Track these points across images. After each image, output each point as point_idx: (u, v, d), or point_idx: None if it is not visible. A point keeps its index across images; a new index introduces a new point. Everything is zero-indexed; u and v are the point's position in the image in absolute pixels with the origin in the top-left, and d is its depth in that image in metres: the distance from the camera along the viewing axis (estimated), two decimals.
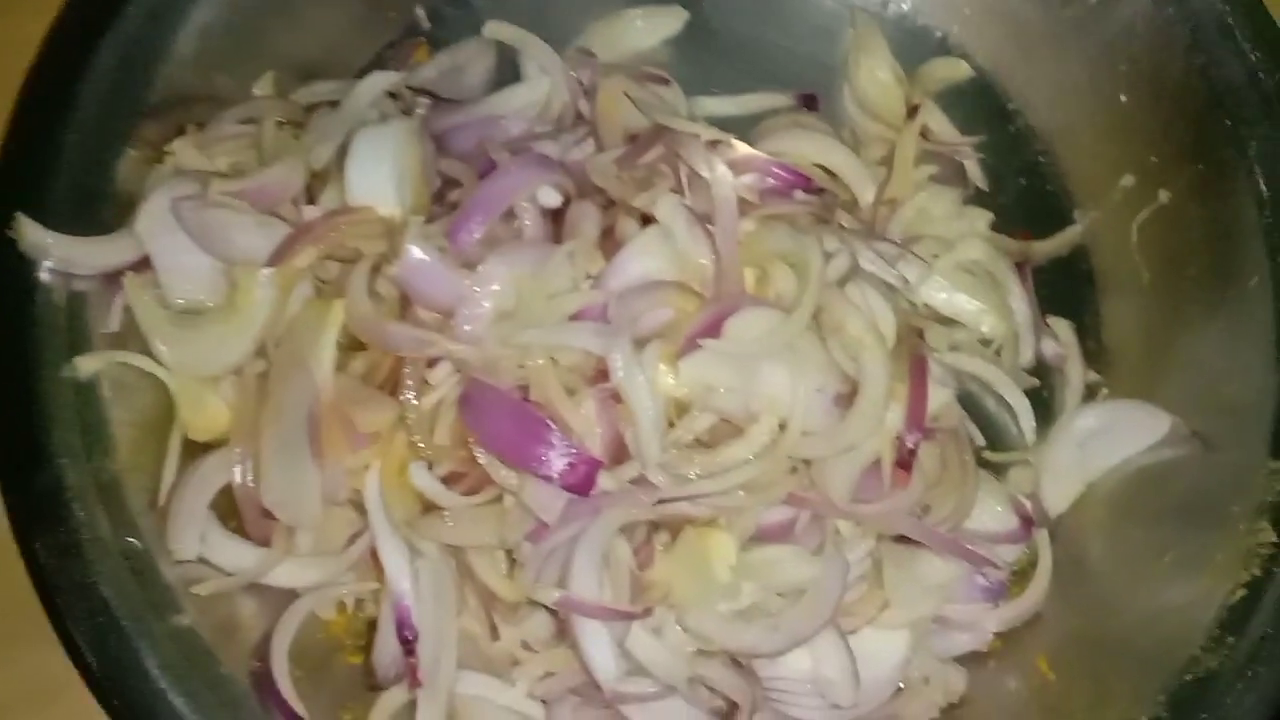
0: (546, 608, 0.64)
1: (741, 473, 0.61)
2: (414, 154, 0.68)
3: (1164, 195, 0.77)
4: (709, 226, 0.65)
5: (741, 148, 0.72)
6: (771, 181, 0.71)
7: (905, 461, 0.65)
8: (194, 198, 0.64)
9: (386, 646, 0.63)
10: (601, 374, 0.62)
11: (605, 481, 0.60)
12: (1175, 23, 0.75)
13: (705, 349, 0.62)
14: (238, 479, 0.64)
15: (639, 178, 0.69)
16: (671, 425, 0.62)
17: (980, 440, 0.75)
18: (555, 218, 0.68)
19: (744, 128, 0.80)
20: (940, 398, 0.67)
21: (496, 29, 0.76)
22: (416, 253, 0.62)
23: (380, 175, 0.66)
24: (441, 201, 0.69)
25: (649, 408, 0.60)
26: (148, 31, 0.70)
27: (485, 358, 0.62)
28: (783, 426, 0.63)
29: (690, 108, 0.81)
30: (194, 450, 0.66)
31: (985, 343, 0.77)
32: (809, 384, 0.63)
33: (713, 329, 0.62)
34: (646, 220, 0.67)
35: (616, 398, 0.61)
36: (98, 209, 0.67)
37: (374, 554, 0.64)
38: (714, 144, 0.70)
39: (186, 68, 0.71)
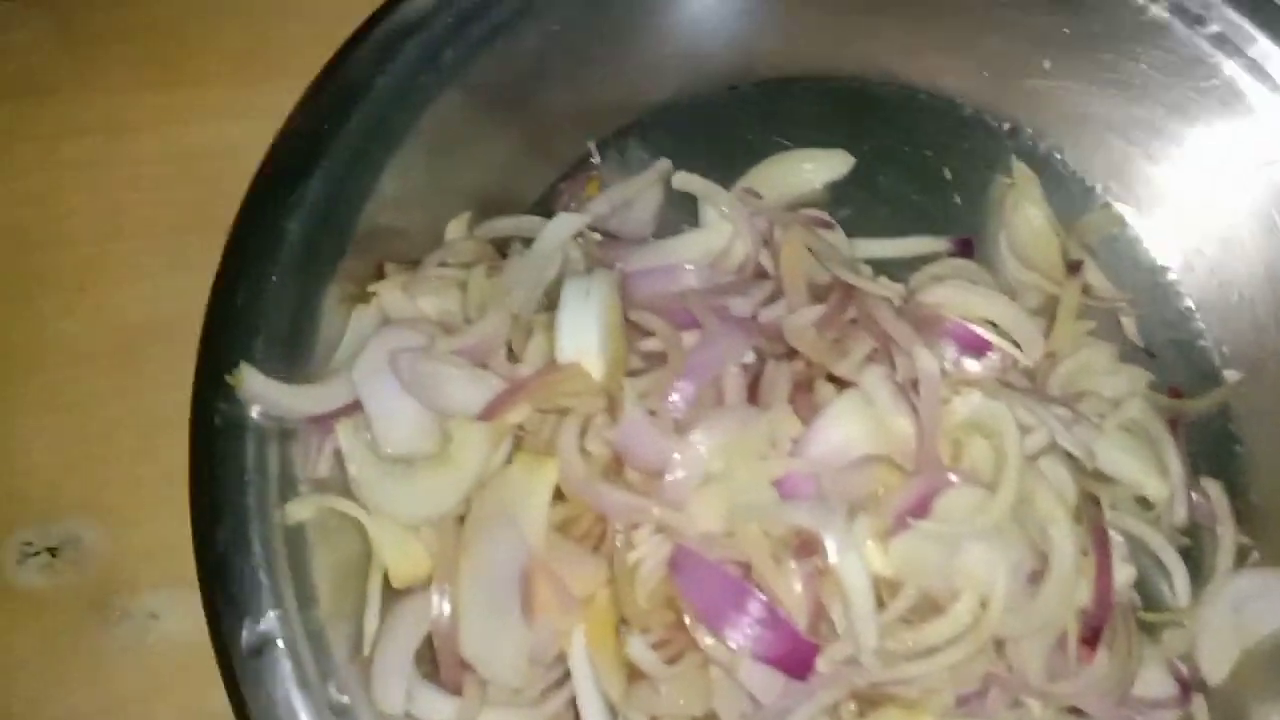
0: None
1: (950, 654, 0.62)
2: (616, 307, 0.69)
3: None
4: (911, 398, 0.66)
5: (925, 309, 0.73)
6: (956, 344, 0.73)
7: (1091, 638, 0.66)
8: (413, 350, 0.65)
9: None
10: (807, 546, 0.63)
11: (820, 664, 0.61)
12: None
13: (915, 529, 0.63)
14: (437, 626, 0.65)
15: (835, 340, 0.70)
16: (880, 604, 0.63)
17: (1137, 602, 0.76)
18: (745, 370, 0.70)
19: (900, 269, 0.82)
20: (1124, 574, 0.69)
21: (685, 180, 0.78)
22: (635, 417, 0.63)
23: (587, 331, 0.67)
24: (631, 348, 0.70)
25: (865, 591, 0.61)
26: (354, 169, 0.71)
27: (696, 526, 0.63)
28: (983, 604, 0.64)
29: (852, 250, 0.83)
30: (391, 599, 0.67)
31: (1141, 501, 0.79)
32: (1009, 561, 0.64)
33: (922, 507, 0.63)
34: (839, 380, 0.69)
35: (822, 572, 0.63)
36: (302, 346, 0.68)
37: (569, 708, 0.65)
38: (902, 307, 0.72)
39: (387, 205, 0.72)
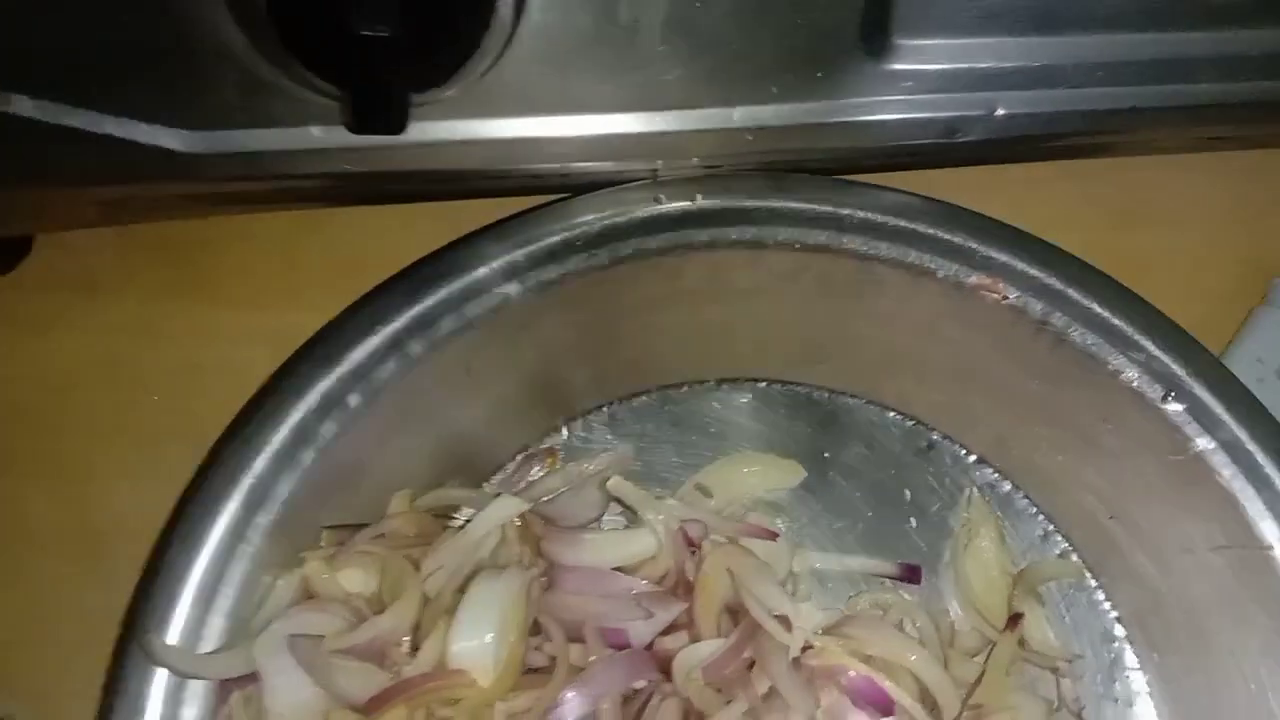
0: None
1: None
2: (519, 612, 0.72)
3: None
4: None
5: (833, 653, 0.74)
6: (855, 695, 0.73)
7: None
8: (311, 638, 0.69)
9: None
10: None
11: None
12: None
13: None
14: None
15: (726, 680, 0.71)
16: None
17: None
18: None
19: (841, 588, 0.83)
20: None
21: (618, 485, 0.81)
22: None
23: (483, 638, 0.70)
24: (530, 647, 0.73)
25: None
26: (305, 443, 0.76)
27: None
28: None
29: (793, 560, 0.84)
30: None
31: None
32: None
33: None
34: None
35: None
36: (223, 608, 0.73)
37: None
38: (805, 651, 0.72)
39: (338, 471, 0.77)
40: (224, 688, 0.71)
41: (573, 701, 0.67)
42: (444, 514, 0.81)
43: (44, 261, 0.94)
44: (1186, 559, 0.80)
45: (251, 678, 0.71)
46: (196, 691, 0.70)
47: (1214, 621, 0.80)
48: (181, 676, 0.70)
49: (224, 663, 0.70)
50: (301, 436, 0.76)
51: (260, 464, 0.74)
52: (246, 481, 0.74)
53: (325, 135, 0.76)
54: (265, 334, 0.82)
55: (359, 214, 0.94)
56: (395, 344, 0.78)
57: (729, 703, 0.69)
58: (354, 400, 0.77)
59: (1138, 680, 0.83)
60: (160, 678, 0.70)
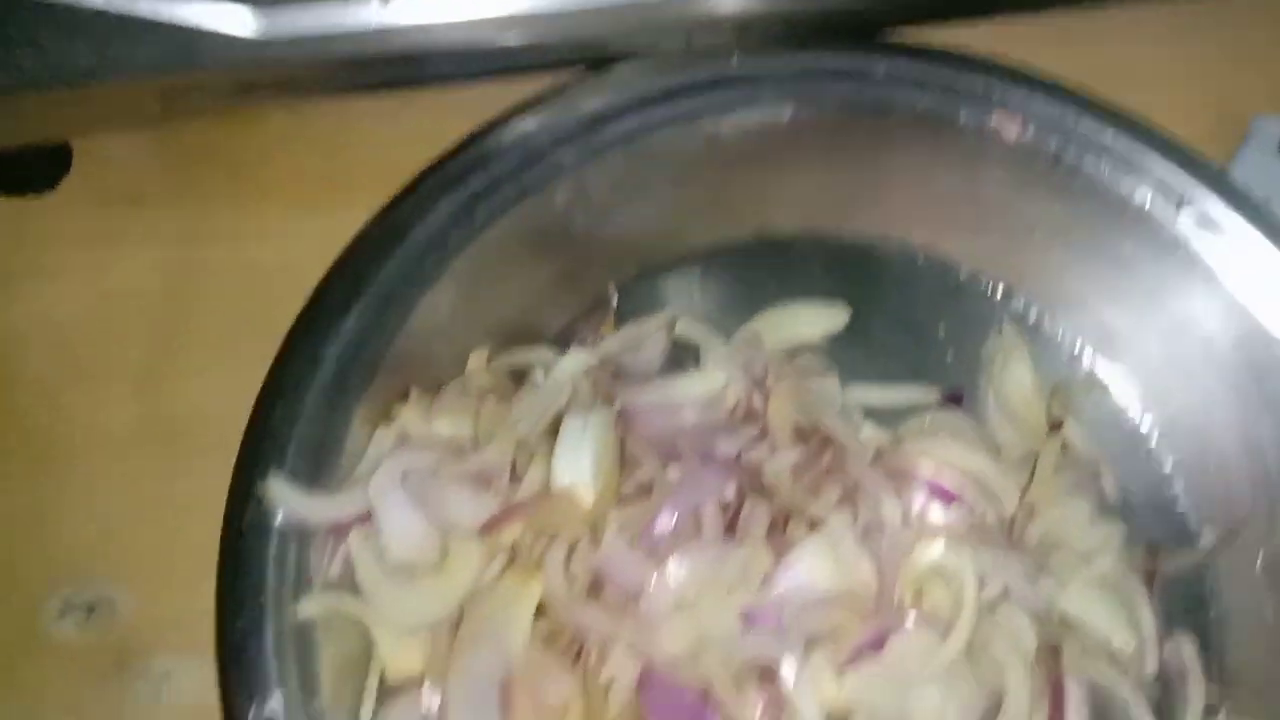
0: None
1: None
2: (610, 442, 0.76)
3: None
4: (874, 543, 0.72)
5: (902, 458, 0.79)
6: (926, 492, 0.79)
7: None
8: (423, 471, 0.73)
9: None
10: (769, 674, 0.68)
11: None
12: None
13: (868, 664, 0.68)
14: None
15: (811, 483, 0.76)
16: None
17: None
18: (725, 507, 0.76)
19: (892, 419, 0.88)
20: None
21: (686, 326, 0.85)
22: (616, 545, 0.69)
23: (582, 461, 0.74)
24: (624, 477, 0.77)
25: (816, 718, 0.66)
26: (387, 308, 0.79)
27: (665, 648, 0.68)
28: None
29: (844, 396, 0.89)
30: (384, 691, 0.73)
31: (1110, 653, 0.82)
32: (958, 704, 0.69)
33: (876, 645, 0.68)
34: (813, 523, 0.75)
35: (780, 699, 0.68)
36: (329, 460, 0.76)
37: None
38: (878, 455, 0.78)
39: (414, 338, 0.81)
40: (338, 532, 0.74)
41: (679, 502, 0.71)
42: (517, 374, 0.85)
43: (85, 177, 0.96)
44: (1203, 355, 0.87)
45: (365, 519, 0.74)
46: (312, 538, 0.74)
47: (1231, 415, 0.87)
48: (298, 520, 0.73)
49: (341, 503, 0.74)
50: (383, 303, 0.79)
51: (349, 326, 0.78)
52: (336, 345, 0.78)
53: (387, 12, 0.80)
54: (318, 233, 0.84)
55: (400, 114, 0.97)
56: (463, 211, 0.82)
57: (818, 498, 0.74)
58: (427, 266, 0.81)
59: (1175, 480, 0.90)
60: (274, 532, 0.73)
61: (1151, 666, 0.82)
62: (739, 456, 0.78)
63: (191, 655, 0.80)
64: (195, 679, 0.81)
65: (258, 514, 0.73)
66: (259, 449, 0.74)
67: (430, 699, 0.71)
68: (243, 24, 0.80)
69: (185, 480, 0.85)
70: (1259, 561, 0.84)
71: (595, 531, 0.72)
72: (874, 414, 0.88)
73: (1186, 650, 0.84)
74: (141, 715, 0.80)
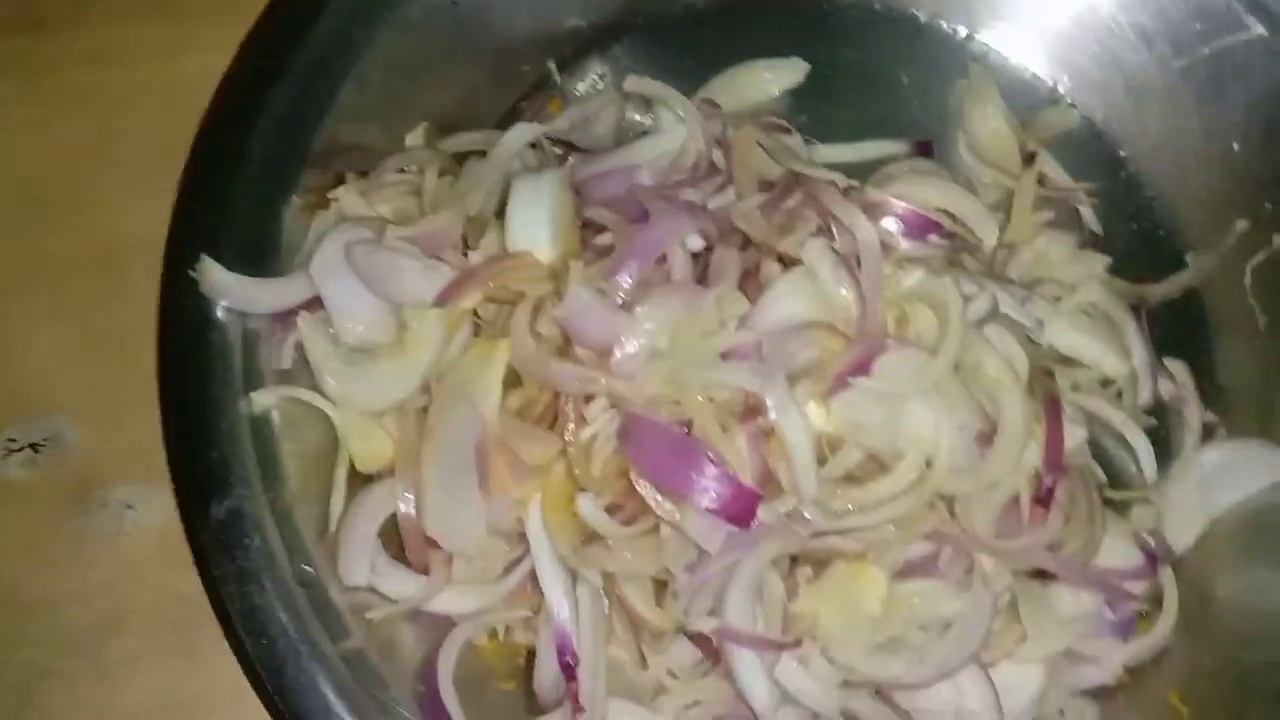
0: (690, 637, 0.67)
1: (891, 508, 0.63)
2: (566, 201, 0.71)
3: (1278, 240, 0.79)
4: (852, 269, 0.68)
5: (873, 193, 0.75)
6: (903, 226, 0.75)
7: (1044, 499, 0.67)
8: (367, 242, 0.68)
9: (547, 672, 0.66)
10: (752, 410, 0.64)
11: (763, 513, 0.62)
12: None
13: (855, 387, 0.64)
14: (402, 508, 0.67)
15: (781, 223, 0.72)
16: (822, 462, 0.64)
17: (1102, 478, 0.77)
18: (696, 259, 0.72)
19: (861, 174, 0.83)
20: (1075, 437, 0.70)
21: (638, 83, 0.80)
22: (580, 295, 0.65)
23: (537, 222, 0.69)
24: (585, 245, 0.73)
25: (804, 444, 0.62)
26: (312, 84, 0.74)
27: (644, 394, 0.65)
28: (928, 463, 0.65)
29: (810, 155, 0.84)
30: (358, 482, 0.70)
31: (1105, 383, 0.79)
32: (953, 422, 0.66)
33: (862, 368, 0.65)
34: (786, 263, 0.71)
35: (766, 434, 0.64)
36: (267, 253, 0.71)
37: (529, 582, 0.68)
38: (848, 190, 0.74)
39: (345, 118, 0.75)
40: (285, 321, 0.70)
41: (645, 248, 0.67)
42: (459, 160, 0.80)
43: None
44: (1177, 73, 0.83)
45: (313, 304, 0.70)
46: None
47: (1210, 131, 0.84)
48: (240, 311, 0.68)
49: (283, 288, 0.69)
50: (305, 82, 0.74)
51: (270, 109, 0.72)
52: (258, 130, 0.72)
53: None
54: (232, 43, 0.78)
55: None
56: None
57: (791, 234, 0.70)
58: (349, 40, 0.75)
59: (1157, 205, 0.86)
60: (215, 324, 0.68)
61: (1146, 394, 0.80)
62: (704, 205, 0.73)
63: (154, 483, 0.76)
64: (159, 505, 0.77)
65: (195, 308, 0.68)
66: (188, 239, 0.69)
67: (403, 483, 0.67)
68: None
69: (124, 306, 0.80)
70: (1247, 276, 0.81)
71: (559, 291, 0.67)
72: (842, 170, 0.82)
73: (1180, 374, 0.82)
74: (105, 547, 0.76)
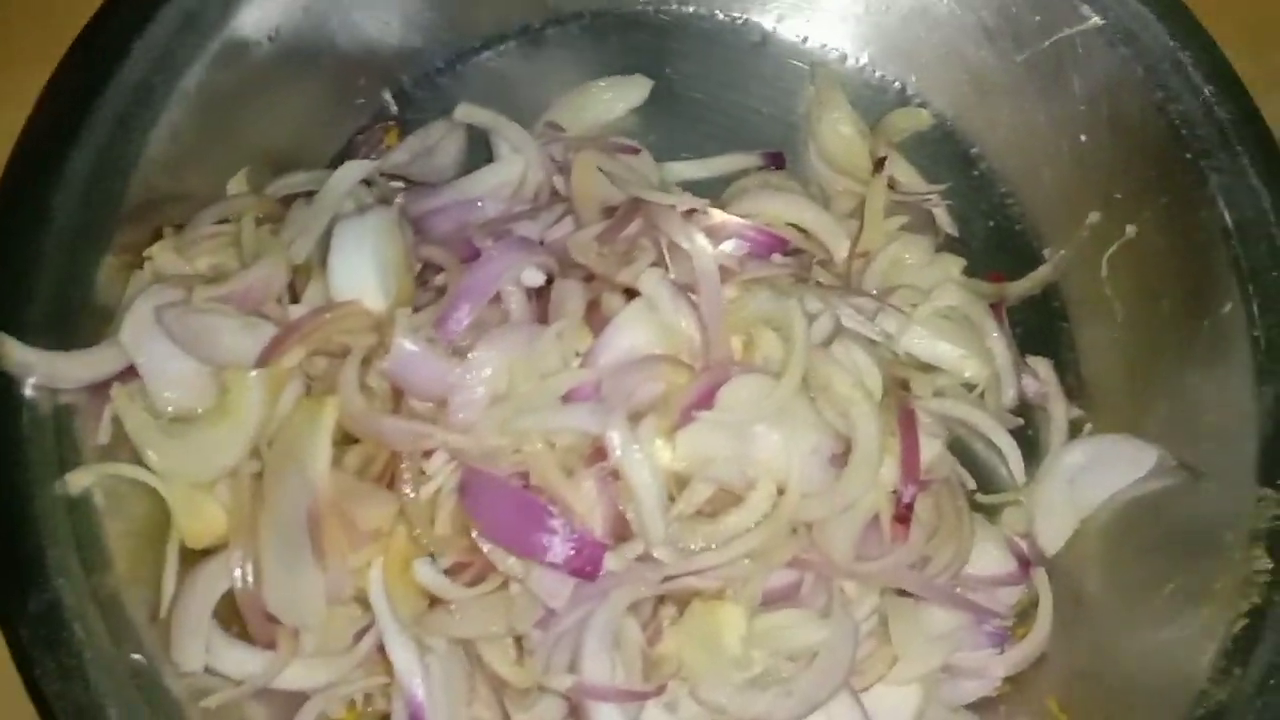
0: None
1: (745, 541, 0.61)
2: (395, 243, 0.68)
3: (1131, 230, 0.79)
4: (693, 297, 0.66)
5: (717, 214, 0.73)
6: (748, 246, 0.73)
7: (903, 515, 0.66)
8: (178, 304, 0.64)
9: None
10: (598, 453, 0.62)
11: (611, 562, 0.60)
12: (1130, 61, 0.77)
13: (700, 420, 0.62)
14: (239, 583, 0.63)
15: (620, 252, 0.69)
16: (672, 499, 0.62)
17: (970, 484, 0.75)
18: (538, 295, 0.69)
19: (714, 190, 0.81)
20: (932, 449, 0.68)
21: (468, 112, 0.77)
22: (406, 346, 0.62)
23: (363, 268, 0.66)
24: (425, 286, 0.70)
25: (650, 485, 0.60)
26: (118, 136, 0.70)
27: (481, 445, 0.62)
28: (781, 491, 0.63)
29: (661, 174, 0.82)
30: (192, 558, 0.66)
31: (968, 387, 0.78)
32: (803, 446, 0.64)
33: (706, 400, 0.63)
34: (630, 294, 0.68)
35: (615, 475, 0.62)
36: (77, 319, 0.67)
37: (382, 649, 0.64)
38: (690, 213, 0.71)
39: (159, 169, 0.71)
40: (100, 392, 0.65)
41: (476, 288, 0.64)
42: (288, 204, 0.76)
43: None
44: (1023, 61, 0.83)
45: (129, 374, 0.65)
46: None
47: (1042, 116, 0.83)
48: (50, 387, 0.64)
49: (95, 359, 0.65)
50: (111, 130, 0.70)
51: (75, 162, 0.68)
52: (62, 184, 0.68)
53: None
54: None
55: None
56: (186, 20, 0.72)
57: (630, 264, 0.67)
58: (155, 85, 0.71)
59: (1010, 202, 0.86)
60: (25, 403, 0.64)
61: (1010, 394, 0.79)
62: (542, 239, 0.70)
63: None
64: None
65: (1, 387, 0.64)
66: None
67: (238, 556, 0.63)
68: None
69: None
70: (1103, 268, 0.81)
71: (387, 341, 0.64)
72: (694, 188, 0.81)
73: (1043, 371, 0.81)
74: None
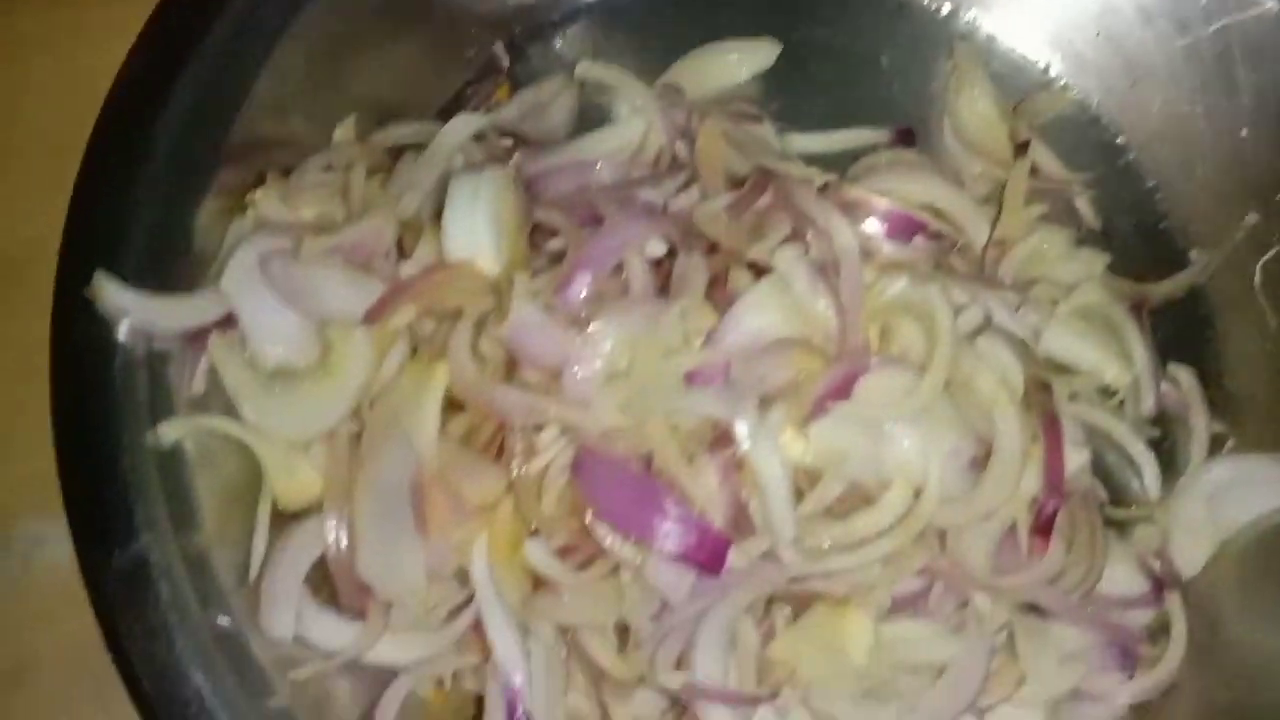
0: None
1: (879, 546, 0.57)
2: (511, 203, 0.64)
3: None
4: (830, 279, 0.61)
5: (852, 191, 0.68)
6: (886, 227, 0.68)
7: (1044, 528, 0.61)
8: (283, 254, 0.60)
9: None
10: (723, 439, 0.58)
11: (733, 558, 0.56)
12: None
13: (835, 413, 0.58)
14: (332, 549, 0.60)
15: (751, 226, 0.65)
16: (800, 495, 0.58)
17: (1103, 496, 0.70)
18: (658, 265, 0.65)
19: (838, 165, 0.76)
20: (1076, 460, 0.63)
21: (589, 69, 0.73)
22: (526, 312, 0.58)
23: (478, 227, 0.62)
24: (536, 250, 0.66)
25: (780, 479, 0.56)
26: (225, 74, 0.66)
27: (599, 424, 0.58)
28: (917, 493, 0.59)
29: (782, 145, 0.77)
30: (280, 522, 0.62)
31: (1104, 392, 0.73)
32: (943, 447, 0.59)
33: (842, 391, 0.58)
34: (757, 270, 0.64)
35: (738, 465, 0.58)
36: (176, 264, 0.63)
37: (476, 628, 0.61)
38: (824, 187, 0.67)
39: (265, 111, 0.67)
40: (197, 341, 0.62)
41: (598, 257, 0.60)
42: (396, 154, 0.72)
43: None
44: (1179, 52, 0.77)
45: (227, 322, 0.62)
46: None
47: (1215, 115, 0.77)
48: (144, 332, 0.60)
49: (193, 305, 0.61)
50: (216, 72, 0.66)
51: (178, 101, 0.64)
52: (164, 124, 0.64)
53: None
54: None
55: None
56: None
57: (761, 239, 0.63)
58: (265, 24, 0.67)
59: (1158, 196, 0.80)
60: (120, 346, 0.61)
61: (1149, 403, 0.73)
62: (665, 207, 0.66)
63: (64, 516, 0.68)
64: (70, 541, 0.69)
65: (93, 331, 0.60)
66: (82, 254, 0.61)
67: (332, 522, 0.60)
68: None
69: (25, 317, 0.72)
70: (1256, 274, 0.75)
71: (504, 306, 0.60)
72: (817, 162, 0.76)
73: (1185, 381, 0.76)
74: (9, 589, 0.68)
